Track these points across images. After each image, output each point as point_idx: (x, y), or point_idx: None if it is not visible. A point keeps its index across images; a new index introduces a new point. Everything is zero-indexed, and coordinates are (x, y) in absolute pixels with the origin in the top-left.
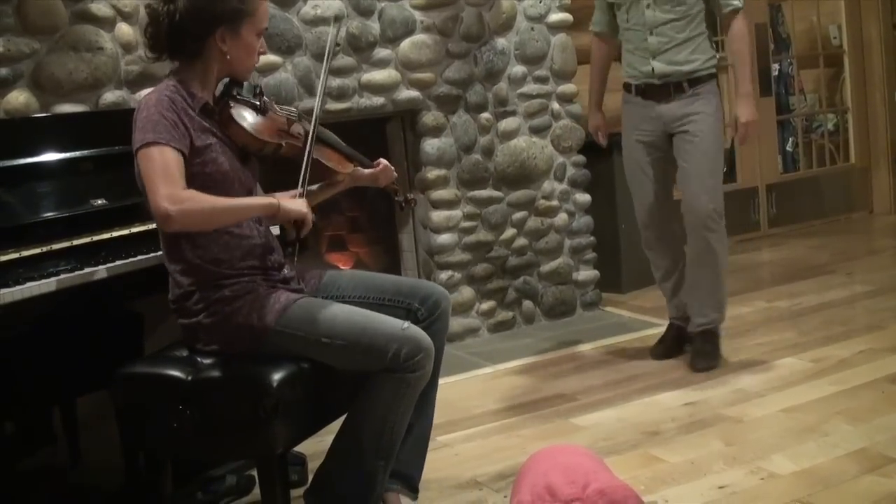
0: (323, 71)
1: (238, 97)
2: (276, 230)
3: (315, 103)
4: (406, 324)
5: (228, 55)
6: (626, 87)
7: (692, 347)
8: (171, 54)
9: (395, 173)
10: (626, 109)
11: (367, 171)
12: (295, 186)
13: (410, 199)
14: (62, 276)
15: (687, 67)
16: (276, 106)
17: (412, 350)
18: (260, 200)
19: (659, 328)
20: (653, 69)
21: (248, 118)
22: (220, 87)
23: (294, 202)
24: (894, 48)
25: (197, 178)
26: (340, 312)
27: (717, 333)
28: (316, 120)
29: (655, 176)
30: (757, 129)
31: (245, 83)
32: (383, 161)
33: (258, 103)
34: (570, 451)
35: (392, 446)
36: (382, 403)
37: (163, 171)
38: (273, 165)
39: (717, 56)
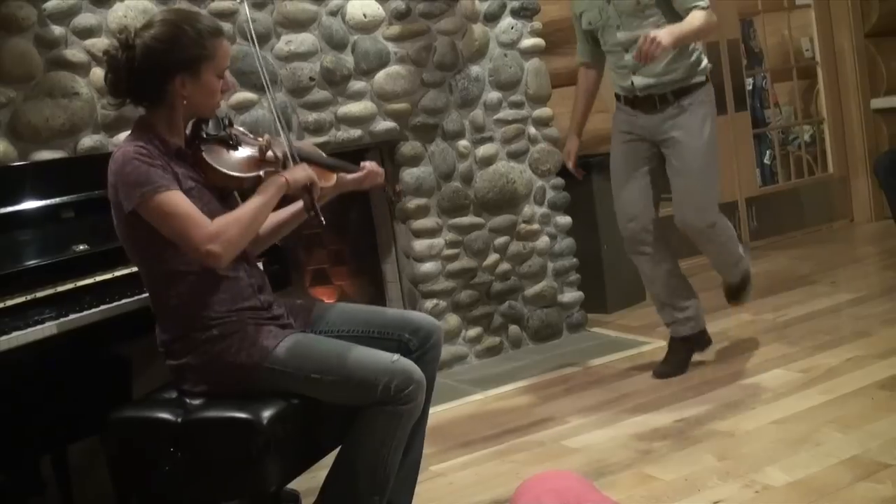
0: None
1: (207, 137)
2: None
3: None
4: (396, 356)
5: (189, 99)
6: (616, 96)
7: (725, 291)
8: (134, 100)
9: (381, 177)
10: (616, 115)
11: (350, 176)
12: None
13: (399, 190)
14: (48, 323)
15: (668, 77)
16: (246, 134)
17: (403, 382)
18: (272, 188)
19: (646, 346)
20: (632, 83)
21: (221, 158)
22: (189, 127)
23: (296, 171)
24: (867, 57)
25: None
26: (330, 347)
27: (744, 277)
28: (279, 113)
29: (638, 174)
30: (655, 49)
31: (210, 120)
32: (368, 164)
33: (229, 139)
34: (561, 476)
35: (386, 480)
36: (375, 437)
37: (186, 216)
38: None
39: (705, 63)
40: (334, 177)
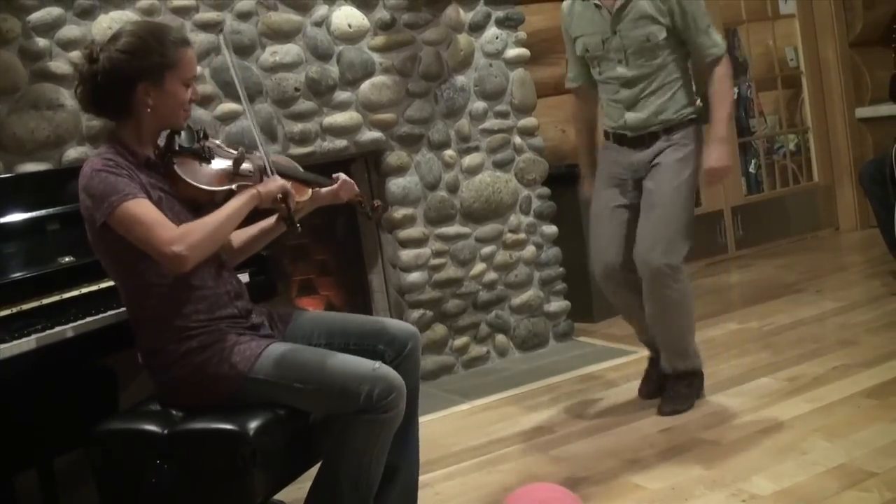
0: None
1: (179, 149)
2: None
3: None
4: (377, 364)
5: (155, 109)
6: (605, 134)
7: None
8: (101, 113)
9: (356, 187)
10: (603, 154)
11: (325, 190)
12: None
13: (377, 205)
14: (34, 336)
15: (660, 116)
16: (221, 147)
17: (384, 390)
18: (244, 198)
19: (633, 355)
20: (626, 121)
21: (192, 171)
22: (163, 138)
23: (269, 183)
24: (851, 66)
25: None
26: (312, 356)
27: (691, 373)
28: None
29: (620, 219)
30: (726, 174)
31: (184, 132)
32: (341, 176)
33: (202, 152)
34: (547, 489)
35: (370, 489)
36: (357, 446)
37: (151, 221)
38: None
39: (697, 102)
40: (310, 191)
